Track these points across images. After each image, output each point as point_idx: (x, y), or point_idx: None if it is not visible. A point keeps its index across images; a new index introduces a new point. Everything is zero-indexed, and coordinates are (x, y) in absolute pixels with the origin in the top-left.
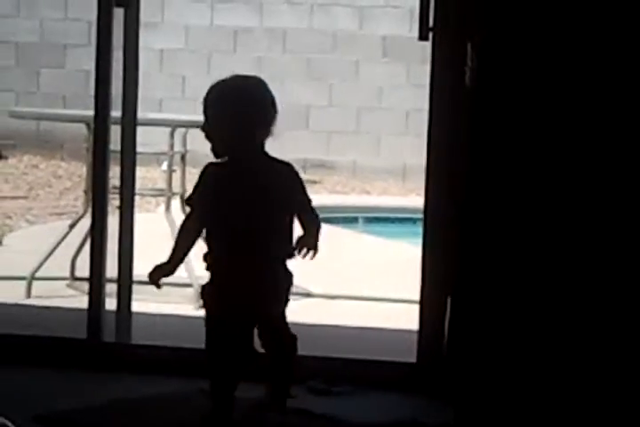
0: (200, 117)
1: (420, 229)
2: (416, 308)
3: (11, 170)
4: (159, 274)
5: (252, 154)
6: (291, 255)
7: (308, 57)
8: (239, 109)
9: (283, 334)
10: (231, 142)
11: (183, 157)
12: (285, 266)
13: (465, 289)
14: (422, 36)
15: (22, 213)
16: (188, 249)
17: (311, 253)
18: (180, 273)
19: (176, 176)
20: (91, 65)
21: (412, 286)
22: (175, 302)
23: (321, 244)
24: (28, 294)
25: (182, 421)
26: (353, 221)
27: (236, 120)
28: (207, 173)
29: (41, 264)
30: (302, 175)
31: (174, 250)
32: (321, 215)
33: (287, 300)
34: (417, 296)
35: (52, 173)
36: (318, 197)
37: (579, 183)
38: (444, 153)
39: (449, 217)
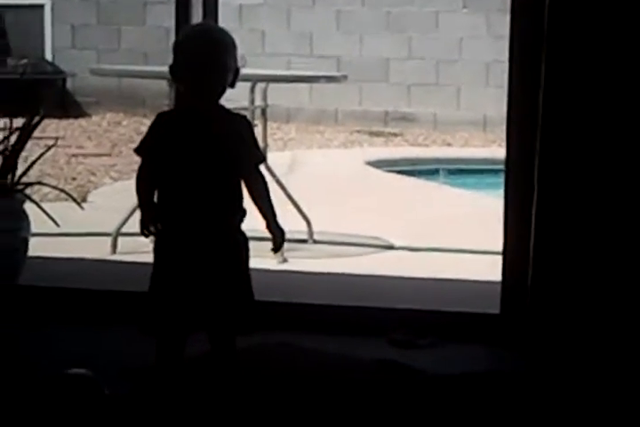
0: (281, 72)
1: (502, 180)
2: (499, 259)
3: (94, 127)
4: (147, 224)
5: (209, 104)
6: (242, 216)
7: (386, 10)
8: (215, 56)
9: (231, 294)
10: (197, 89)
11: (264, 112)
12: (239, 226)
13: (545, 241)
14: None
15: (106, 169)
16: (152, 196)
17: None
18: (263, 226)
19: (257, 131)
20: (170, 22)
21: (494, 238)
22: (258, 255)
23: (401, 196)
24: (114, 250)
25: (274, 374)
26: (434, 173)
27: (209, 66)
28: (158, 122)
29: (125, 220)
30: (383, 128)
31: (139, 201)
32: (402, 168)
33: (243, 261)
34: (500, 247)
35: (134, 129)
36: (400, 150)
37: None
38: (524, 104)
39: (531, 168)
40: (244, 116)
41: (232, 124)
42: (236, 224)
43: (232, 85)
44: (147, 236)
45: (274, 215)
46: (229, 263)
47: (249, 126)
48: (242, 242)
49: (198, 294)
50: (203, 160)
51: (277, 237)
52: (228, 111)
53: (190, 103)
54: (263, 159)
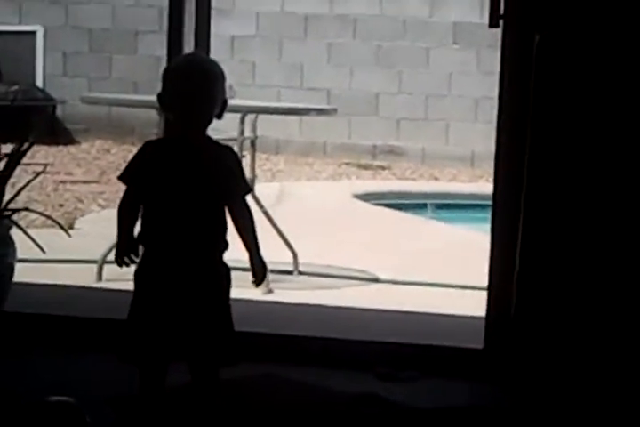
0: (271, 104)
1: (488, 215)
2: (484, 294)
3: (83, 154)
4: (121, 255)
5: (197, 134)
6: (225, 249)
7: (378, 44)
8: (205, 86)
9: (211, 324)
10: (185, 118)
11: (253, 143)
12: (221, 258)
13: (530, 276)
14: (493, 24)
15: (94, 197)
16: (132, 226)
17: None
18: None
19: (246, 161)
20: (162, 51)
21: (480, 273)
22: (243, 286)
23: (388, 229)
24: (100, 278)
25: (256, 406)
26: (422, 207)
27: (197, 96)
28: (144, 150)
29: (112, 248)
30: (372, 162)
31: (118, 229)
32: (390, 201)
33: (223, 292)
34: (485, 283)
35: (123, 157)
36: (387, 183)
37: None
38: (513, 140)
39: (518, 204)
40: (231, 148)
41: (219, 154)
42: (218, 255)
43: (219, 116)
44: (120, 265)
45: (257, 249)
46: (210, 294)
47: (235, 157)
48: (223, 273)
49: (177, 324)
50: (187, 190)
51: (259, 272)
52: (214, 142)
53: (177, 132)
54: (249, 190)
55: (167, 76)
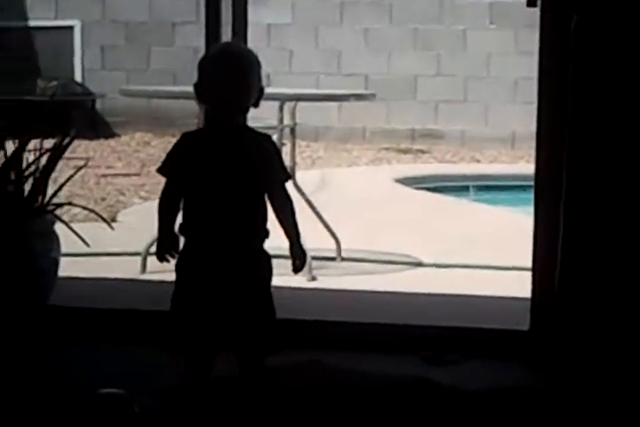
0: (310, 91)
1: (531, 196)
2: (529, 275)
3: (123, 147)
4: (162, 251)
5: (234, 123)
6: (265, 237)
7: (414, 27)
8: (240, 74)
9: (255, 314)
10: (221, 108)
11: (292, 131)
12: (262, 246)
13: (573, 257)
14: (530, 3)
15: (135, 189)
16: (173, 220)
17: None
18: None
19: (286, 149)
20: (199, 42)
21: (524, 254)
22: (287, 273)
23: (430, 213)
24: (144, 270)
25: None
26: (464, 189)
27: (233, 85)
28: (182, 142)
29: (155, 240)
30: (411, 146)
31: (159, 224)
32: (431, 185)
33: (265, 281)
34: (529, 264)
35: (163, 149)
36: (428, 167)
37: None
38: (553, 121)
39: (560, 184)
40: (269, 135)
41: (257, 142)
42: (259, 244)
43: (256, 105)
44: (161, 261)
45: (298, 237)
46: (252, 282)
47: (274, 145)
48: (265, 261)
49: (221, 314)
50: (227, 179)
51: (299, 260)
52: (252, 130)
53: (214, 122)
54: (289, 178)
55: (202, 65)
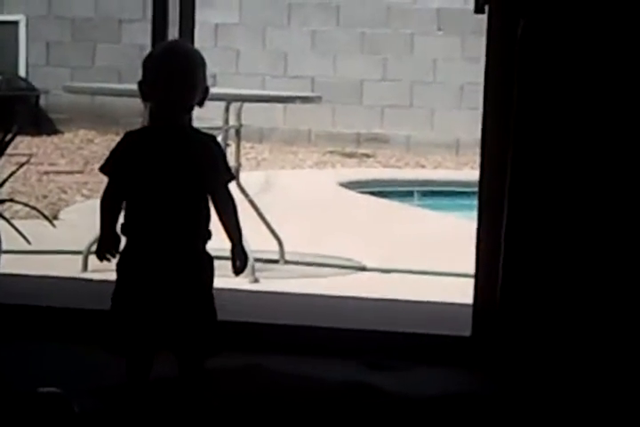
0: (256, 92)
1: (475, 202)
2: (471, 281)
3: (66, 144)
4: (102, 250)
5: (178, 122)
6: (208, 238)
7: (361, 31)
8: (185, 73)
9: (196, 314)
10: (166, 106)
11: (238, 132)
12: (204, 248)
13: (514, 263)
14: (478, 9)
15: (78, 187)
16: (115, 219)
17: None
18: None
19: (231, 150)
20: (145, 39)
21: (466, 260)
22: (229, 275)
23: (374, 217)
24: (85, 268)
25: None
26: (408, 194)
27: (177, 84)
28: (124, 140)
29: (97, 239)
30: (356, 149)
31: (101, 223)
32: (375, 189)
33: (207, 281)
34: (472, 270)
35: (107, 147)
36: (372, 171)
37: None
38: (498, 127)
39: (504, 191)
40: (213, 136)
41: (201, 143)
42: (201, 245)
43: (201, 104)
44: (101, 260)
45: (240, 238)
46: (193, 283)
47: (218, 146)
48: (206, 262)
49: (161, 314)
50: (170, 179)
51: (240, 262)
52: (196, 130)
53: (158, 121)
54: (232, 178)
55: (147, 63)
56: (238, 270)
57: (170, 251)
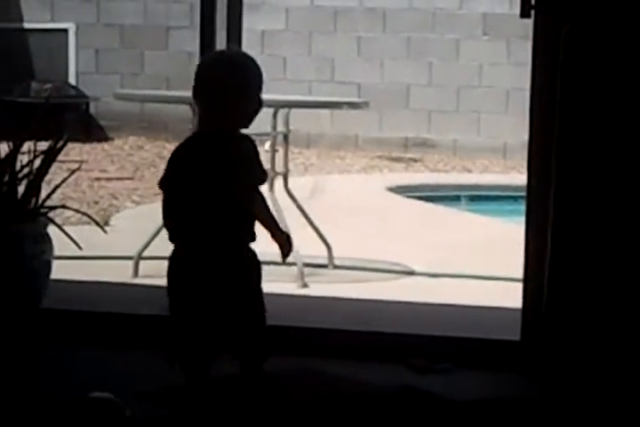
0: (304, 98)
1: (521, 206)
2: (520, 286)
3: (116, 151)
4: None
5: (228, 129)
6: (252, 241)
7: (407, 36)
8: (251, 83)
9: (250, 315)
10: (224, 116)
11: (286, 137)
12: (249, 247)
13: (562, 268)
14: (524, 14)
15: (128, 193)
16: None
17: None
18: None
19: (279, 156)
20: (193, 46)
21: (515, 264)
22: (279, 280)
23: (421, 222)
24: (136, 274)
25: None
26: (455, 199)
27: (231, 90)
28: (175, 154)
29: (147, 244)
30: (404, 154)
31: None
32: (423, 194)
33: (257, 282)
34: (520, 274)
35: (156, 153)
36: (420, 176)
37: None
38: (545, 131)
39: (551, 195)
40: (249, 137)
41: (241, 146)
42: (247, 246)
43: (256, 112)
44: None
45: (276, 223)
46: (244, 285)
47: (255, 147)
48: (254, 262)
49: (217, 319)
50: (215, 184)
51: (284, 244)
52: (238, 134)
53: (210, 128)
54: (264, 180)
55: (199, 70)
56: (285, 253)
57: (219, 254)
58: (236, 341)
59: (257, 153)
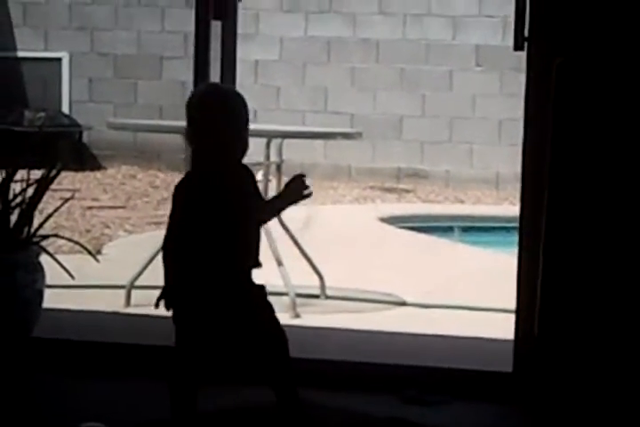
0: (297, 128)
1: (514, 237)
2: (512, 317)
3: (109, 180)
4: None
5: (230, 166)
6: (256, 266)
7: (401, 67)
8: (239, 114)
9: (268, 340)
10: (219, 151)
11: (279, 167)
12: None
13: (553, 298)
14: (518, 46)
15: (120, 222)
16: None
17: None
18: (277, 281)
19: (272, 186)
20: (187, 76)
21: (508, 296)
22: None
23: (414, 252)
24: (128, 303)
25: None
26: (448, 230)
27: (235, 124)
28: (179, 193)
29: (140, 273)
30: (396, 185)
31: (166, 273)
32: (415, 224)
33: (266, 306)
34: (513, 305)
35: (149, 183)
36: (412, 206)
37: None
38: (538, 163)
39: (544, 226)
40: (247, 166)
41: (241, 176)
42: (251, 275)
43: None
44: (157, 307)
45: (279, 204)
46: (254, 312)
47: (253, 176)
48: (259, 290)
49: (225, 346)
50: (221, 215)
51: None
52: (243, 166)
53: (215, 164)
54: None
55: (195, 108)
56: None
57: (227, 283)
58: (263, 370)
59: (255, 181)
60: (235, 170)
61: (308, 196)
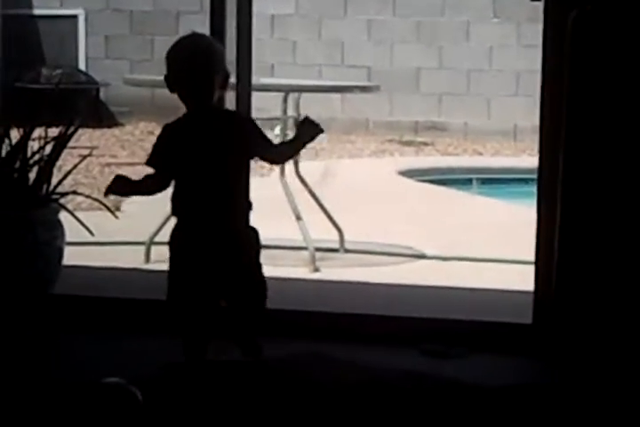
0: (314, 82)
1: (533, 189)
2: (532, 269)
3: (127, 137)
4: (120, 187)
5: (205, 106)
6: (249, 209)
7: (417, 20)
8: (202, 63)
9: (248, 283)
10: (189, 95)
11: (296, 122)
12: (248, 220)
13: (571, 249)
14: None
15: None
16: (148, 191)
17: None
18: (296, 236)
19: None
20: (203, 31)
21: (527, 247)
22: (290, 264)
23: (433, 205)
24: (147, 259)
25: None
26: (467, 182)
27: (198, 74)
28: (163, 133)
29: (159, 229)
30: (414, 138)
31: (138, 184)
32: (434, 177)
33: (255, 249)
34: (532, 257)
35: None
36: (431, 159)
37: None
38: (556, 113)
39: (562, 177)
40: (237, 112)
41: (230, 121)
42: (244, 216)
43: (223, 87)
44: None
45: (296, 145)
46: (241, 253)
47: (250, 121)
48: (252, 235)
49: (213, 283)
50: (207, 157)
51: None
52: (225, 111)
53: (188, 109)
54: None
55: (168, 58)
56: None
57: (216, 224)
58: (231, 290)
59: (256, 126)
60: (210, 115)
61: (321, 132)
